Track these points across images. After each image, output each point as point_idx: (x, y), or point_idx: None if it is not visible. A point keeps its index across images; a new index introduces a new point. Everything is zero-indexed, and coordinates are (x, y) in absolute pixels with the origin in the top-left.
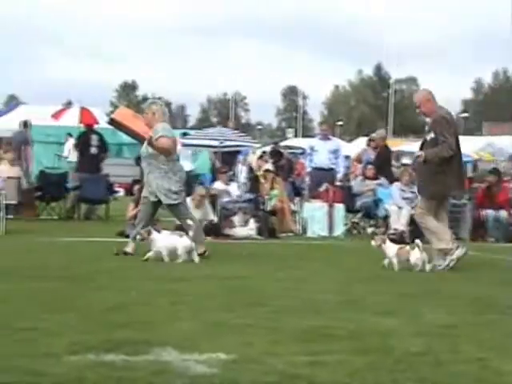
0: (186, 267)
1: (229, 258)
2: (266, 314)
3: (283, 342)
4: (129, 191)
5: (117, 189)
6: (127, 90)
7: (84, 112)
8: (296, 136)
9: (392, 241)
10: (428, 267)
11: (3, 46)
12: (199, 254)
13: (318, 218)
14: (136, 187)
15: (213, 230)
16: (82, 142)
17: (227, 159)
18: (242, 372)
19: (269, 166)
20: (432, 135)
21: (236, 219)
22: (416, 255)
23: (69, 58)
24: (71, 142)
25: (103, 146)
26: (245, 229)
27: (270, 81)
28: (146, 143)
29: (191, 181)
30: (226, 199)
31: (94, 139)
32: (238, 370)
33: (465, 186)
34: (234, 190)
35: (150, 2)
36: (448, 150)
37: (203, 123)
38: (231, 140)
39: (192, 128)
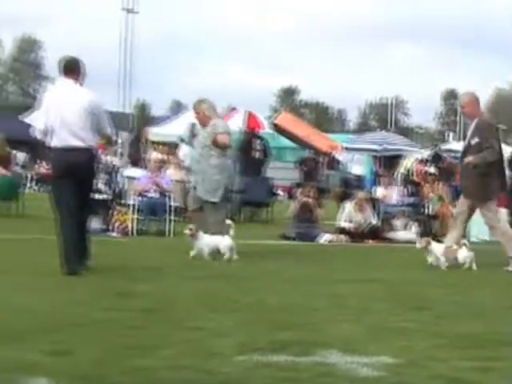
0: (344, 270)
1: (390, 261)
2: (430, 318)
3: (447, 346)
4: (290, 194)
5: (279, 191)
6: (287, 95)
7: (250, 116)
8: (457, 140)
9: None
10: (474, 265)
11: (173, 55)
12: None
13: (480, 221)
14: (298, 190)
15: (374, 233)
16: (245, 147)
17: (388, 163)
18: (407, 376)
19: (431, 169)
20: (477, 139)
21: (397, 223)
22: (463, 254)
23: (230, 63)
24: (184, 147)
25: (266, 150)
26: (406, 232)
27: (430, 84)
28: (204, 134)
29: (354, 185)
30: (387, 203)
31: (257, 143)
32: (402, 373)
33: (506, 188)
34: (396, 193)
35: (308, 7)
36: (494, 155)
37: (362, 127)
38: (392, 144)
39: (352, 132)
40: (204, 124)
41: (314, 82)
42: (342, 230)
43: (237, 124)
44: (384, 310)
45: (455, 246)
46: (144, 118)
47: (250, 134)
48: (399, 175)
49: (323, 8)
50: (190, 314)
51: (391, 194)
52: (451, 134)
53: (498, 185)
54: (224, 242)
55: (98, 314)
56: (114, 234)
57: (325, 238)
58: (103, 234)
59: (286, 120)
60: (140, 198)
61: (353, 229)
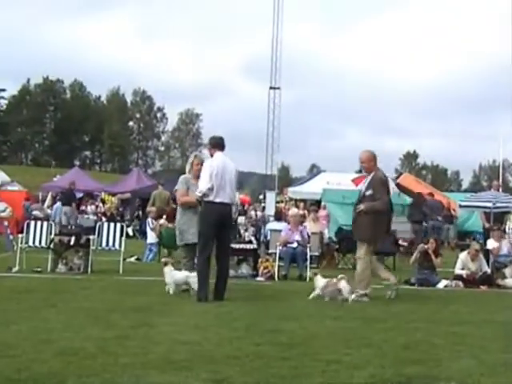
0: (461, 312)
1: (501, 305)
2: None
3: None
4: (412, 245)
5: (401, 242)
6: (409, 159)
7: None
8: None
9: None
10: (352, 297)
11: (311, 124)
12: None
13: None
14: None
15: (486, 280)
16: None
17: (498, 218)
18: None
19: None
20: (370, 192)
21: (507, 271)
22: (343, 286)
23: (358, 131)
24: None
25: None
26: None
27: None
28: (194, 188)
29: (465, 237)
30: (498, 253)
31: None
32: None
33: (389, 232)
34: (506, 245)
35: (420, 78)
36: (383, 205)
37: (475, 187)
38: (502, 202)
39: (465, 191)
40: (197, 177)
41: (432, 147)
42: (458, 277)
43: None
44: (497, 348)
45: (335, 280)
46: (286, 178)
47: None
48: (509, 229)
49: (438, 83)
50: (328, 348)
51: (502, 245)
52: None
53: (384, 230)
54: (191, 277)
55: (251, 348)
56: (261, 279)
57: (442, 283)
58: (252, 278)
59: (408, 180)
60: (281, 248)
61: (467, 276)
